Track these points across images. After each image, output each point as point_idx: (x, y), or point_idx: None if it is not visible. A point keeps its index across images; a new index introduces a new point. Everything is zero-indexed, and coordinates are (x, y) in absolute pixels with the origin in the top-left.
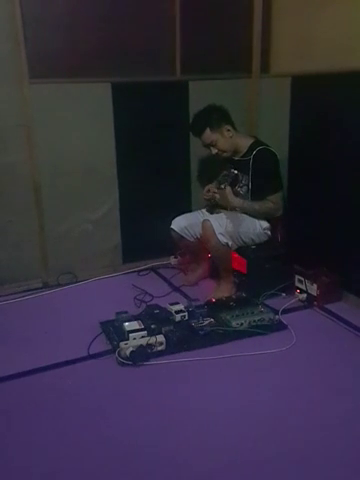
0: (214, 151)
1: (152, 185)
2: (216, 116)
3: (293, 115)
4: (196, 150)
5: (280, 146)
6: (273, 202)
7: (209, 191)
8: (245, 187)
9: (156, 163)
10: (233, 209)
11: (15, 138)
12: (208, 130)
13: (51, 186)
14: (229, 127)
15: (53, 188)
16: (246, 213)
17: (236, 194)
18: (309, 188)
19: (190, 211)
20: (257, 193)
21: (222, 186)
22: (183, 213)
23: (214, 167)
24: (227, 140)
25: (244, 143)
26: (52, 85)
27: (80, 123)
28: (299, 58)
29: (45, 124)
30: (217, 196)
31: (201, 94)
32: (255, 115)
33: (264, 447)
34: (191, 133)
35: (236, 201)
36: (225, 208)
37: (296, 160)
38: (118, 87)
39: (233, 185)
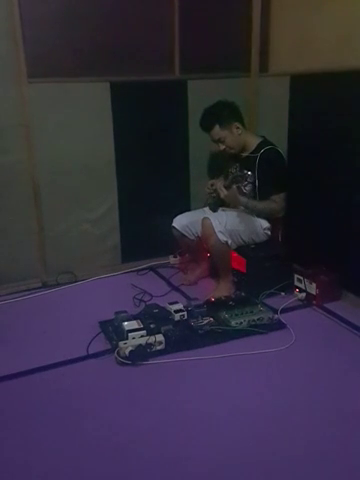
0: (222, 147)
1: (151, 184)
2: (226, 113)
3: (292, 114)
4: (195, 148)
5: (279, 145)
6: (276, 202)
7: (213, 185)
8: (250, 185)
9: (155, 162)
10: (236, 207)
11: (14, 138)
12: (217, 127)
13: (50, 186)
14: (238, 124)
15: (52, 188)
16: (249, 212)
17: (241, 192)
18: (308, 187)
19: (189, 210)
20: (263, 192)
21: (234, 186)
22: (182, 212)
23: (214, 165)
24: (236, 137)
25: (252, 141)
26: (51, 84)
27: (79, 122)
28: (298, 57)
29: (44, 124)
30: (222, 194)
31: (200, 93)
32: (254, 114)
33: (263, 446)
34: (200, 128)
35: (242, 200)
36: (227, 206)
37: (295, 159)
38: (117, 86)
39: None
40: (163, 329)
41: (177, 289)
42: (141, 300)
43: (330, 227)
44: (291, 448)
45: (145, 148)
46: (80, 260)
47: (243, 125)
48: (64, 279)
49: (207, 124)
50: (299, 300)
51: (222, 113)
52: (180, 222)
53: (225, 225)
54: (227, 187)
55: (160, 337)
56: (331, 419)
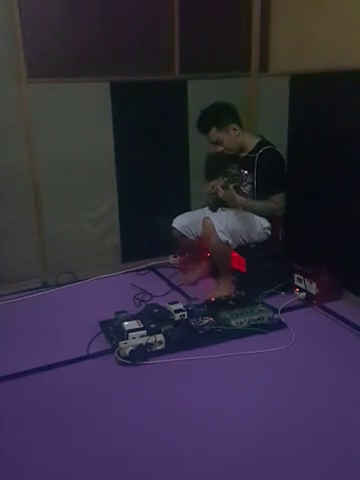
0: (220, 149)
1: (151, 184)
2: (223, 115)
3: (292, 114)
4: (195, 149)
5: (279, 145)
6: (275, 202)
7: (213, 187)
8: (249, 185)
9: (155, 162)
10: (236, 207)
11: (14, 138)
12: (214, 129)
13: (50, 186)
14: (236, 126)
15: (52, 188)
16: (248, 211)
17: (240, 192)
18: (308, 187)
19: (189, 210)
20: (261, 192)
21: (231, 185)
22: (182, 212)
23: (213, 165)
24: (233, 139)
25: (250, 142)
26: (51, 84)
27: (79, 122)
28: (298, 57)
29: (44, 123)
30: (220, 194)
31: (200, 93)
32: (254, 114)
33: (263, 446)
34: (198, 130)
35: (240, 200)
36: (227, 206)
37: (295, 159)
38: (117, 86)
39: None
40: (163, 329)
41: (177, 289)
42: (141, 300)
43: (330, 227)
44: (291, 448)
45: (145, 148)
46: (80, 260)
47: (240, 126)
48: (64, 279)
49: (204, 126)
50: (299, 300)
51: (218, 115)
52: (180, 222)
53: (226, 225)
54: (224, 187)
55: (160, 337)
56: (331, 419)
